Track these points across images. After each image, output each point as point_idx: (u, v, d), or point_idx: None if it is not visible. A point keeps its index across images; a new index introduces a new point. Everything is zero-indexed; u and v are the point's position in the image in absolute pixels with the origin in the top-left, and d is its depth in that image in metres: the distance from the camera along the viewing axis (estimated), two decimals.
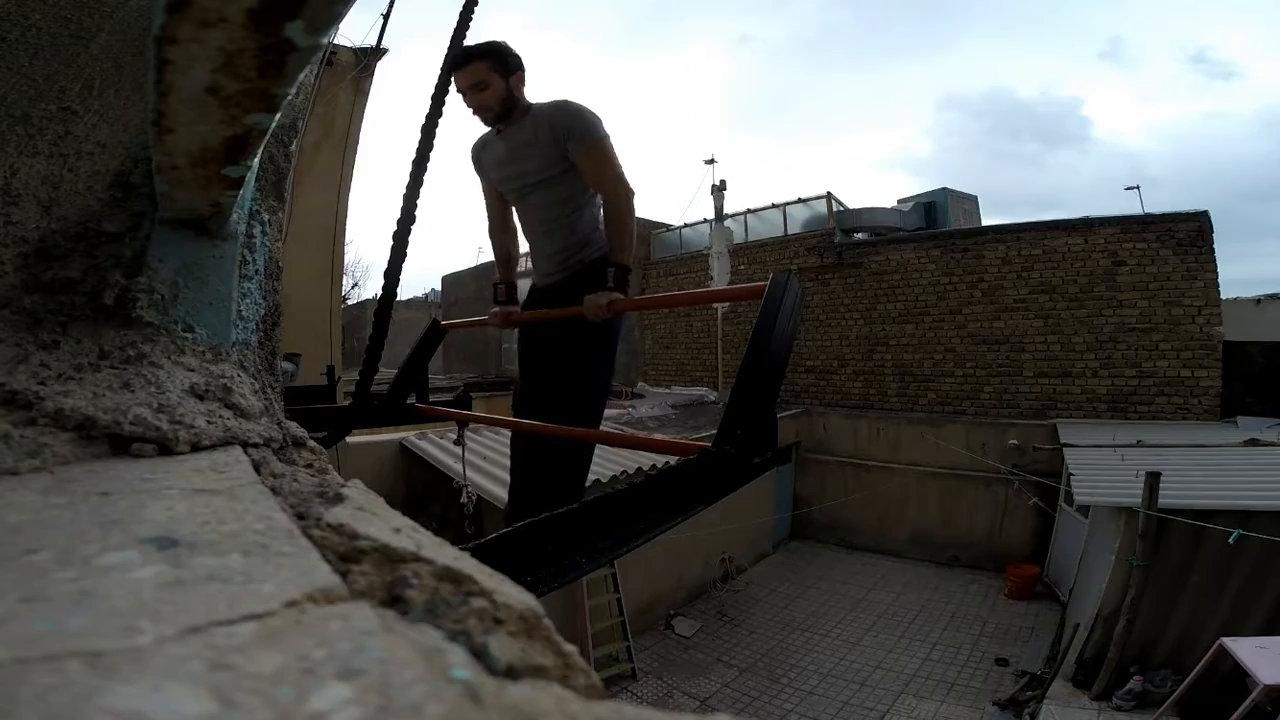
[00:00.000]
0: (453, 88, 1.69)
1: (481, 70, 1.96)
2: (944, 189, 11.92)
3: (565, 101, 2.02)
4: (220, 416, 0.62)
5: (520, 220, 2.28)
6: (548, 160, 2.03)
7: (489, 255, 2.60)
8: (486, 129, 2.17)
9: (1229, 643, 3.99)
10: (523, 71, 2.03)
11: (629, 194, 2.01)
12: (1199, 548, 4.84)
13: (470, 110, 2.03)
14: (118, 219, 0.73)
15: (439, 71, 1.61)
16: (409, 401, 2.35)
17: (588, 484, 2.41)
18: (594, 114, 2.00)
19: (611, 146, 2.00)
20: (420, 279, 39.41)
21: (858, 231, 11.03)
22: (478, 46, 1.94)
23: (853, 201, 11.40)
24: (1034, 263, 8.63)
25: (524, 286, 2.38)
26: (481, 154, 2.27)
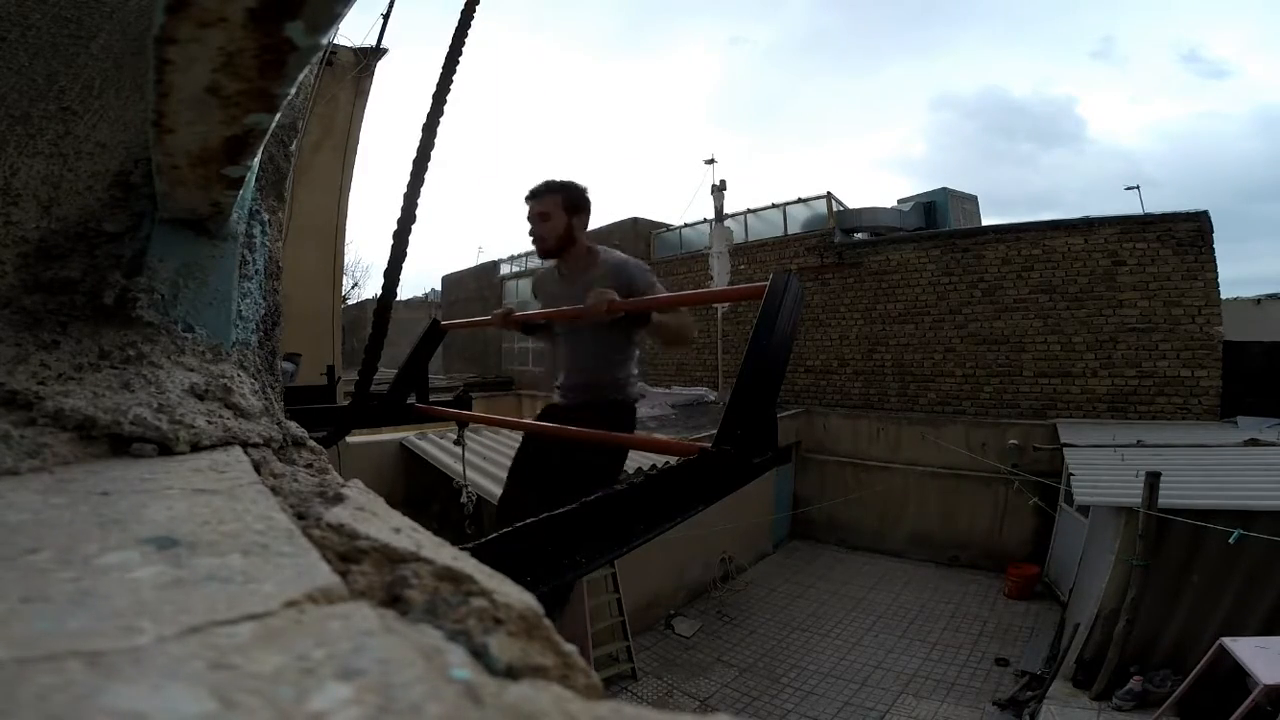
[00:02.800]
0: (455, 85, 1.68)
1: (551, 203, 2.10)
2: (944, 189, 11.91)
3: (629, 258, 2.20)
4: (220, 416, 0.62)
5: (563, 350, 2.27)
6: None
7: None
8: (544, 261, 2.29)
9: (1229, 643, 3.99)
10: (587, 214, 2.19)
11: (692, 321, 2.25)
12: (1199, 548, 4.83)
13: (529, 236, 2.18)
14: (118, 219, 0.73)
15: (440, 72, 1.60)
16: (409, 401, 2.35)
17: None
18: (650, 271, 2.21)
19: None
20: (420, 279, 39.55)
21: (858, 231, 11.04)
22: (554, 182, 2.13)
23: (852, 201, 11.42)
24: (1034, 263, 8.62)
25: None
26: (542, 285, 2.36)
